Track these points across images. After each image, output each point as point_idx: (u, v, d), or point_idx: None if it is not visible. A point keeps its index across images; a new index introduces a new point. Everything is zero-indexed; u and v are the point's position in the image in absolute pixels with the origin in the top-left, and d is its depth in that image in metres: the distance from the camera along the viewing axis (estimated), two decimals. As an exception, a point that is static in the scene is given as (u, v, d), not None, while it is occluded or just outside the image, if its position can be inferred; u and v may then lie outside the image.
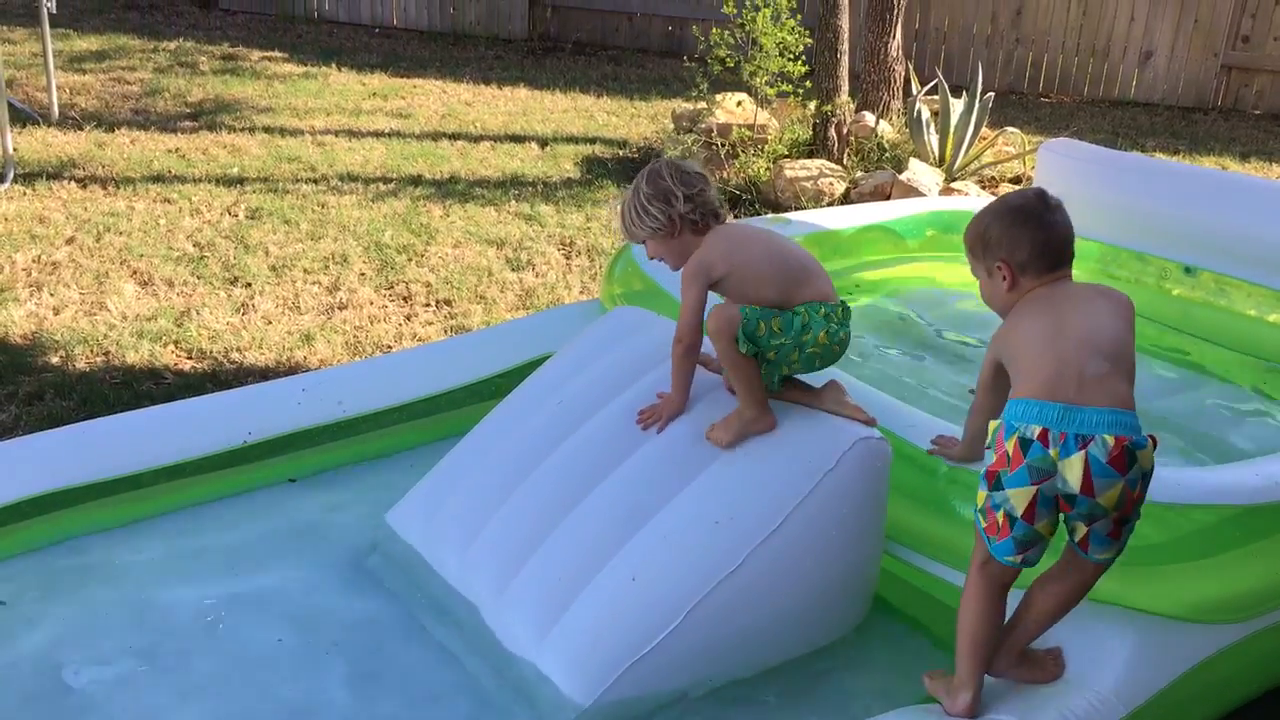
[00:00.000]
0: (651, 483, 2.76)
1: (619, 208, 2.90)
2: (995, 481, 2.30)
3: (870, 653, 2.91)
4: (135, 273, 5.47)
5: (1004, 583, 2.40)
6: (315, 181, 7.10)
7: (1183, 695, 2.65)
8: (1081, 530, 2.31)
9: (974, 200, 6.07)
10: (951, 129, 7.48)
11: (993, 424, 2.35)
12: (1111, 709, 2.45)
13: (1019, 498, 2.27)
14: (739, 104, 8.04)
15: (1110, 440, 2.22)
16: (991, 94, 7.70)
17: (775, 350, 2.76)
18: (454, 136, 8.41)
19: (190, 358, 4.67)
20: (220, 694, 2.67)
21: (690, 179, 2.83)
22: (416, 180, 7.29)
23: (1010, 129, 8.03)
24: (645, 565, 2.63)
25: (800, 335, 2.75)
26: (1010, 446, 2.27)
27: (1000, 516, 2.30)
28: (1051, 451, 2.24)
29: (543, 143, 8.40)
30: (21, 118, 7.65)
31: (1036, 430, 2.25)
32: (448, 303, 5.41)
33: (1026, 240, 2.46)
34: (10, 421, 4.02)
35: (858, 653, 2.88)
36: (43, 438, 3.44)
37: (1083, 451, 2.22)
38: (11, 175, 6.59)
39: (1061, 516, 2.33)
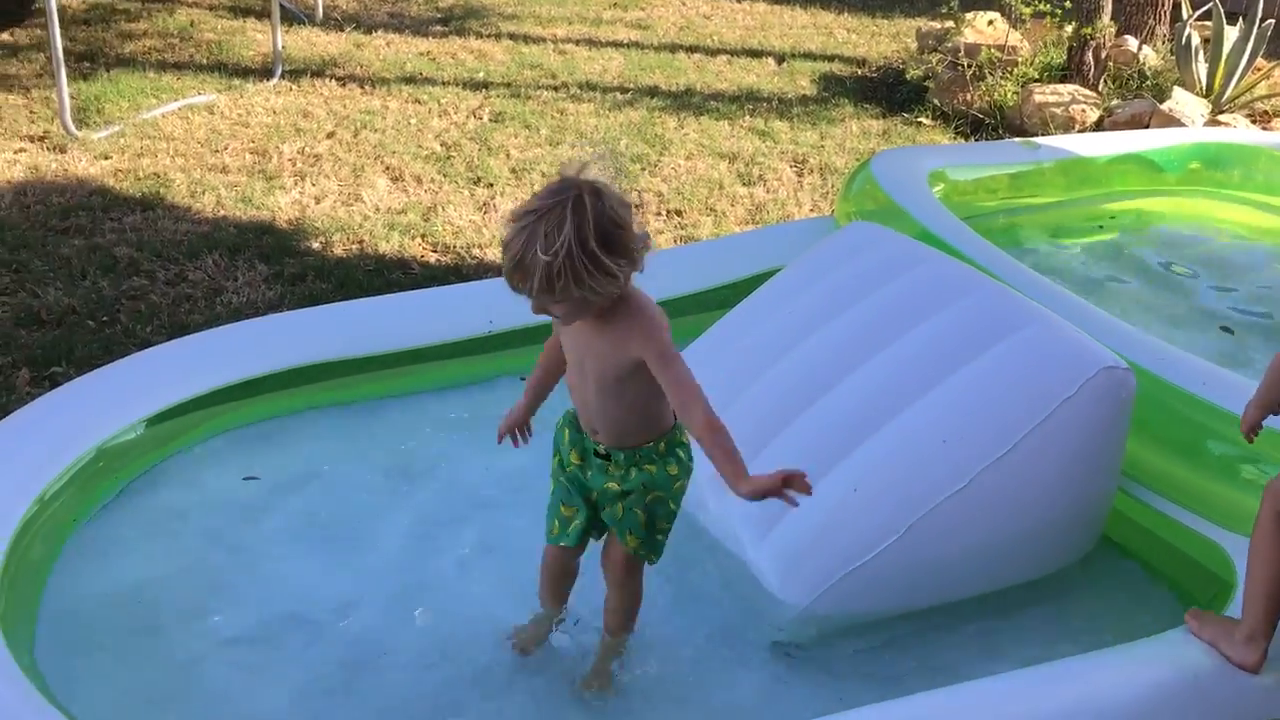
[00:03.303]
0: (881, 395, 2.75)
1: (540, 264, 1.99)
2: None
3: (1088, 588, 2.84)
4: (388, 168, 5.76)
5: None
6: (555, 89, 7.26)
7: None
8: None
9: (1243, 133, 5.64)
10: (1223, 57, 6.94)
11: None
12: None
13: None
14: (990, 23, 7.68)
15: None
16: (1271, 21, 7.08)
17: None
18: (691, 49, 8.39)
19: (435, 251, 4.91)
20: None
21: (627, 210, 2.12)
22: (653, 91, 7.34)
23: (1290, 59, 7.39)
24: (869, 476, 2.64)
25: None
26: None
27: None
28: None
29: (779, 58, 8.28)
30: (289, 18, 8.10)
31: None
32: (678, 213, 5.46)
33: None
34: (276, 298, 4.35)
35: (1073, 587, 2.83)
36: (306, 314, 3.72)
37: None
38: (280, 71, 7.01)
39: None
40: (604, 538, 2.48)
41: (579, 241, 1.99)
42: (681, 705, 2.48)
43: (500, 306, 3.63)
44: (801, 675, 2.59)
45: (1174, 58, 7.20)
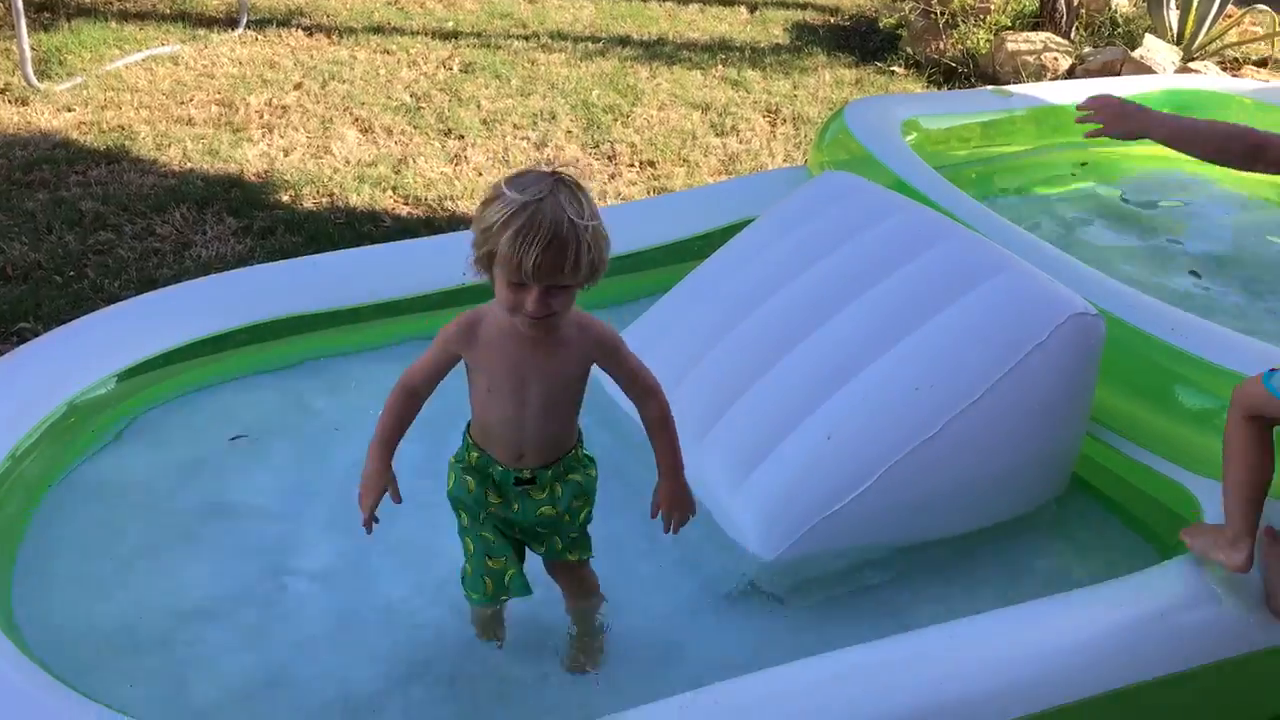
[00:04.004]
0: (854, 344, 2.77)
1: (582, 230, 1.89)
2: None
3: (1058, 527, 2.89)
4: (357, 120, 5.70)
5: (1271, 431, 2.35)
6: (526, 38, 7.18)
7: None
8: None
9: (1214, 80, 5.65)
10: (1194, 5, 6.94)
11: None
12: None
13: None
14: (962, -29, 7.64)
15: None
16: (1244, -33, 7.09)
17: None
18: (663, -3, 8.32)
19: (407, 203, 4.87)
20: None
21: None
22: (624, 41, 7.28)
23: (1260, 6, 7.37)
24: (842, 424, 2.65)
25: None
26: None
27: None
28: None
29: (752, 7, 8.22)
30: (254, -33, 7.96)
31: None
32: (651, 164, 5.44)
33: None
34: (246, 252, 4.31)
35: (1045, 526, 2.87)
36: (276, 268, 3.68)
37: None
38: (245, 21, 6.90)
39: None
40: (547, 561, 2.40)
41: (584, 214, 1.91)
42: (665, 661, 2.49)
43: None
44: (784, 622, 2.62)
45: (1145, 5, 7.19)
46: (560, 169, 1.99)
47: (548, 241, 1.86)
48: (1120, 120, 2.52)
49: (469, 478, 2.24)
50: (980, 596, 2.64)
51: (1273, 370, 2.35)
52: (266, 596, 2.61)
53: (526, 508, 2.25)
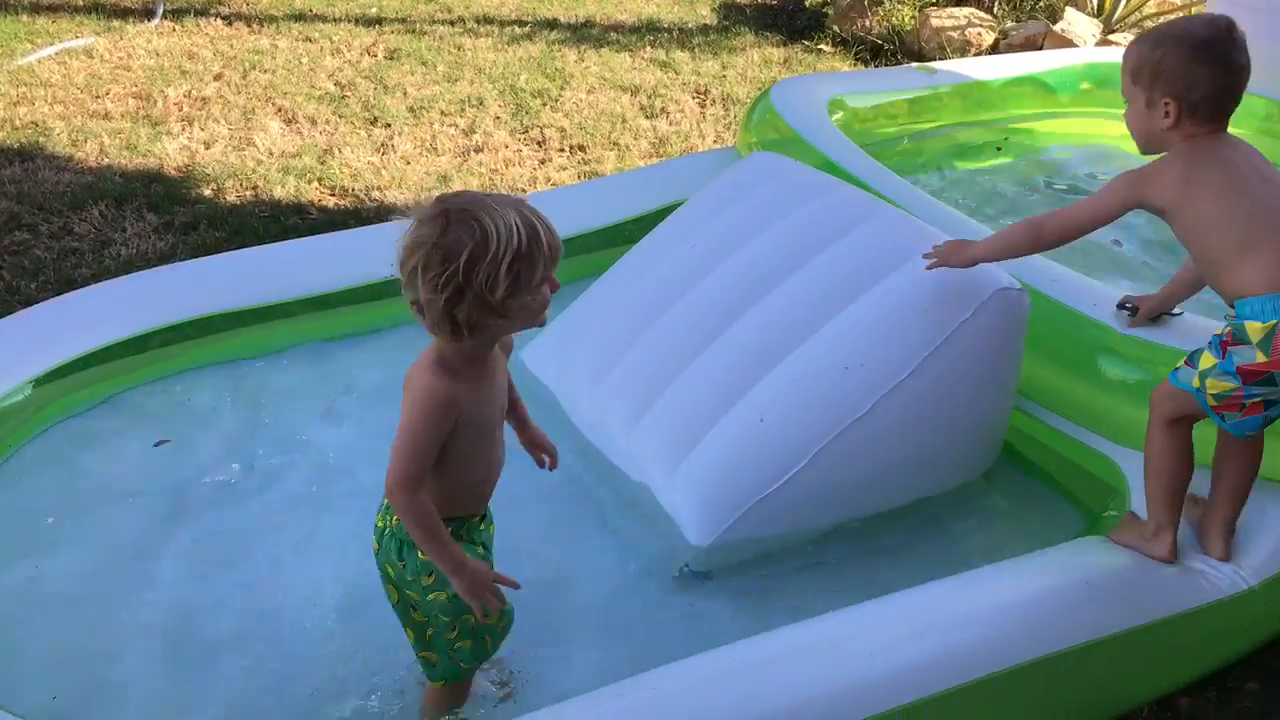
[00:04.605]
0: (784, 325, 2.77)
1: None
2: (1264, 379, 2.23)
3: (990, 499, 2.93)
4: (280, 110, 5.59)
5: (1190, 428, 2.43)
6: (451, 23, 7.09)
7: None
8: None
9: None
10: (1114, -23, 7.04)
11: (1253, 325, 2.22)
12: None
13: None
14: (886, -52, 7.68)
15: None
16: (1160, -61, 7.20)
17: None
18: (590, -21, 8.26)
19: (333, 194, 4.79)
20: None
21: None
22: (552, 24, 7.22)
23: (1178, -22, 7.52)
24: (774, 407, 2.66)
25: None
26: None
27: (1251, 402, 2.27)
28: None
29: (680, -13, 8.20)
30: (169, -45, 7.78)
31: None
32: (582, 148, 5.40)
33: (1206, 80, 2.27)
34: (168, 249, 4.22)
35: (979, 500, 2.91)
36: (199, 264, 3.61)
37: None
38: (161, 11, 6.74)
39: None
40: None
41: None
42: (603, 645, 2.49)
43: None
44: (721, 602, 2.62)
45: (1066, -21, 7.27)
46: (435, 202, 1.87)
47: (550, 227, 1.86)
48: (957, 250, 2.65)
49: (479, 546, 2.11)
50: (918, 569, 2.66)
51: (1176, 369, 2.41)
52: (194, 606, 2.56)
53: (489, 540, 2.18)
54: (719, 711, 2.06)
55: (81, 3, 6.90)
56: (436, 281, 1.77)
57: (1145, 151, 2.42)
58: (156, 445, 2.98)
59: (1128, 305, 2.80)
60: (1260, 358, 2.22)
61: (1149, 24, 7.07)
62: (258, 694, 2.35)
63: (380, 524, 2.09)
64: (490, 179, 5.02)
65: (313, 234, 4.18)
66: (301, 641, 2.46)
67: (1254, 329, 2.22)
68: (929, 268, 2.68)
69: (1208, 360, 2.31)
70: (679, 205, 3.43)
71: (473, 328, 1.83)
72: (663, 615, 2.59)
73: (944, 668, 2.20)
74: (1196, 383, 2.33)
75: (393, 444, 1.91)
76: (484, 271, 1.77)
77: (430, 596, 2.05)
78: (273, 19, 6.88)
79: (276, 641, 2.46)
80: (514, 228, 1.78)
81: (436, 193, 1.87)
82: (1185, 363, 2.40)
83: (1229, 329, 2.28)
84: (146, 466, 2.93)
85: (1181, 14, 7.13)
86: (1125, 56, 2.38)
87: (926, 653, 2.23)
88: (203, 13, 6.88)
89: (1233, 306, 2.28)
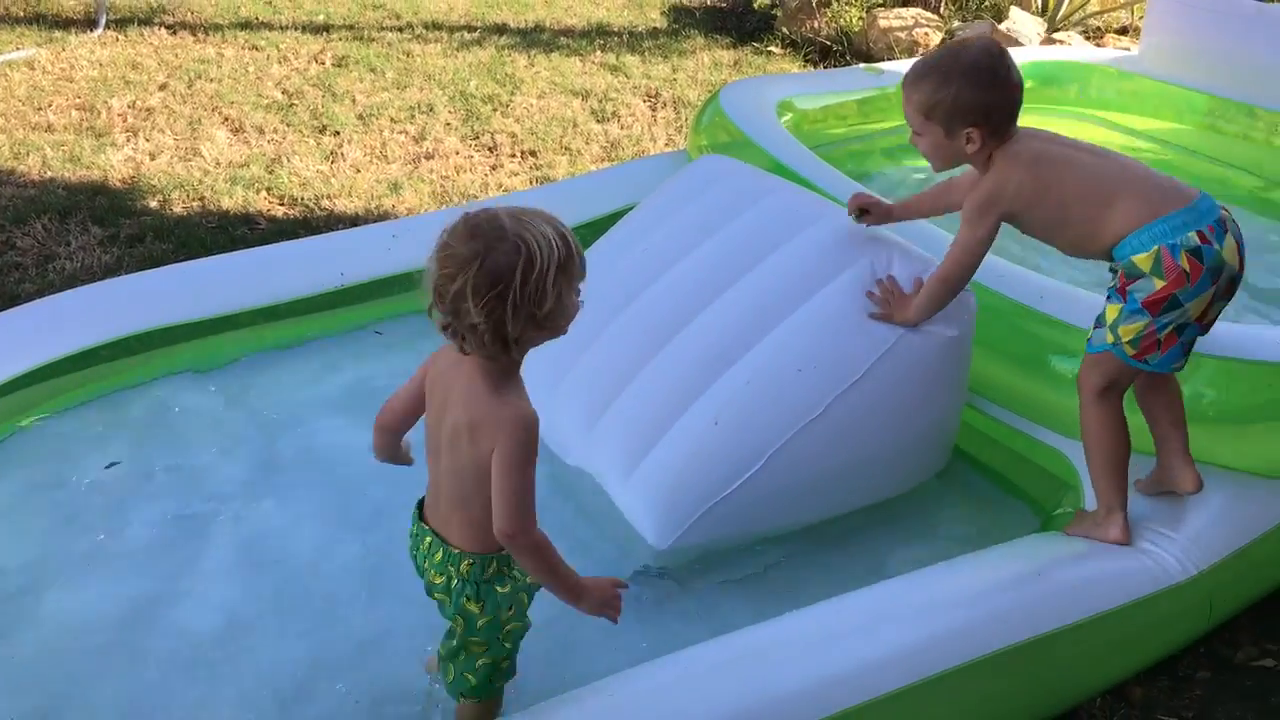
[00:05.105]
0: (736, 328, 2.78)
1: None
2: (1169, 304, 2.35)
3: (947, 499, 2.95)
4: (227, 119, 5.53)
5: (1121, 399, 2.51)
6: (400, 29, 7.05)
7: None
8: (1219, 310, 2.43)
9: (1077, 51, 5.82)
10: (1056, -24, 7.14)
11: (1139, 257, 2.36)
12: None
13: (1198, 305, 2.36)
14: (833, -51, 7.73)
15: (1223, 209, 2.41)
16: (1101, -62, 7.30)
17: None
18: (539, -16, 8.25)
19: (282, 204, 4.75)
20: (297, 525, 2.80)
21: None
22: (501, 29, 7.20)
23: (1119, -24, 7.63)
24: (728, 409, 2.67)
25: None
26: (1184, 262, 2.32)
27: (1165, 334, 2.38)
28: (1216, 246, 2.34)
29: (629, -9, 8.20)
30: (111, -37, 7.67)
31: (1196, 236, 2.33)
32: (533, 153, 5.39)
33: (1000, 103, 2.45)
34: (113, 262, 4.15)
35: (934, 499, 2.93)
36: (145, 277, 3.56)
37: (1227, 233, 2.37)
38: (104, 21, 6.64)
39: None
40: None
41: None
42: (566, 648, 2.48)
43: (351, 258, 3.57)
44: (677, 606, 2.62)
45: (1010, -22, 7.36)
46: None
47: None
48: (902, 308, 2.71)
49: (525, 579, 2.10)
50: (878, 569, 2.68)
51: (1089, 339, 2.51)
52: (151, 629, 2.52)
53: None
54: (680, 714, 2.07)
55: (22, 13, 6.79)
56: (490, 304, 1.77)
57: (943, 170, 2.59)
58: (107, 468, 2.92)
59: (863, 211, 2.89)
60: (1158, 283, 2.35)
61: (1092, 22, 7.18)
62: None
63: (441, 579, 2.04)
64: (441, 186, 5.00)
65: (262, 244, 4.14)
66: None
67: (1141, 260, 2.36)
68: (871, 310, 2.74)
69: (1113, 310, 2.43)
70: (631, 209, 3.43)
71: (520, 343, 1.85)
72: (622, 619, 2.58)
73: (898, 665, 2.22)
74: (1110, 338, 2.44)
75: (496, 490, 1.88)
76: (533, 287, 1.78)
77: (509, 628, 2.07)
78: (218, 27, 6.80)
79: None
80: (551, 240, 1.80)
81: (463, 212, 1.86)
82: (1094, 327, 2.50)
83: (1120, 272, 2.41)
84: (103, 493, 2.87)
85: (1121, 12, 7.24)
86: (910, 94, 2.50)
87: (880, 650, 2.25)
88: (146, 22, 6.79)
89: (1113, 258, 2.43)
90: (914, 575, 2.47)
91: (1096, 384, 2.50)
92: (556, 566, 1.96)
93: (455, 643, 2.09)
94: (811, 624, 2.30)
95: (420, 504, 2.11)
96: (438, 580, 2.05)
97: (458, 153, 5.36)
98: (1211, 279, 2.35)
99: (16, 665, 2.39)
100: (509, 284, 1.76)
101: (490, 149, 5.43)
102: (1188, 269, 2.32)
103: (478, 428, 1.90)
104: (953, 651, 2.26)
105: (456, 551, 2.01)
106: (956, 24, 7.02)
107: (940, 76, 2.43)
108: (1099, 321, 2.48)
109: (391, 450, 2.17)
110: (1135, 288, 2.38)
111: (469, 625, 2.05)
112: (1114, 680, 2.53)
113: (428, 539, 2.05)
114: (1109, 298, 2.45)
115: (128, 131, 5.32)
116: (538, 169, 5.24)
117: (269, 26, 6.91)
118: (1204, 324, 2.42)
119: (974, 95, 2.41)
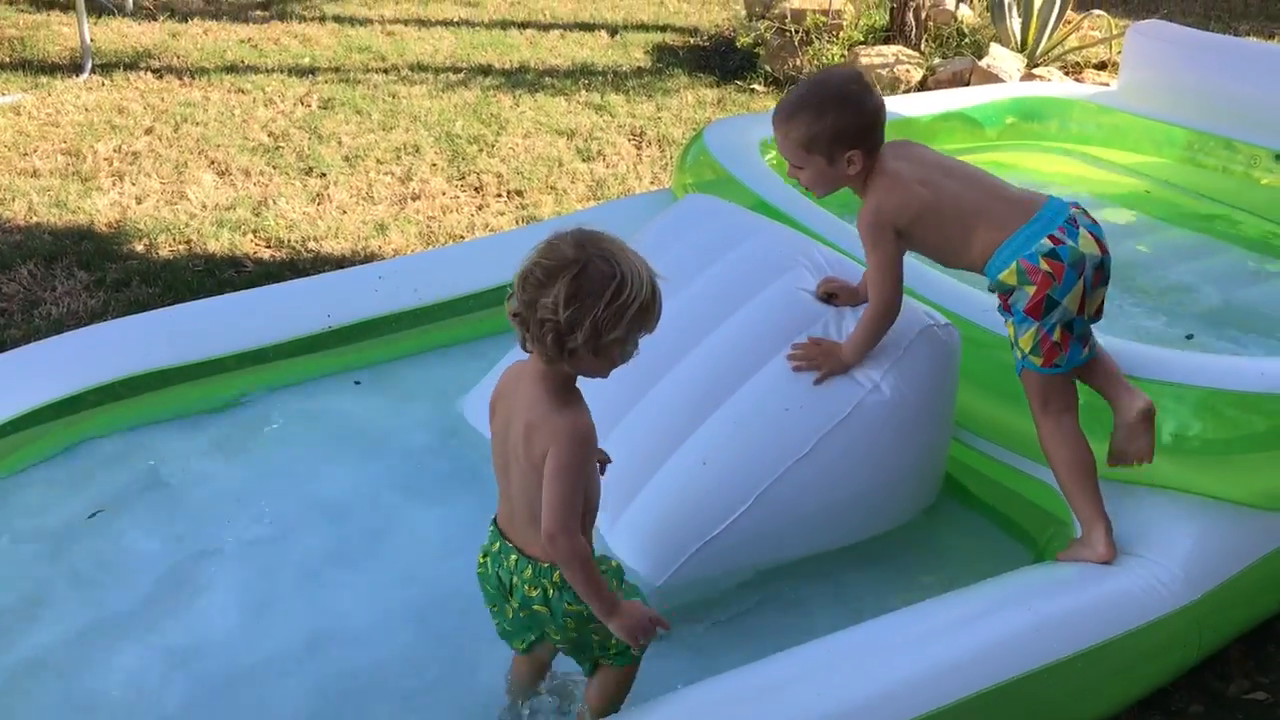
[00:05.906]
0: (722, 370, 2.79)
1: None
2: (1046, 305, 2.49)
3: (934, 536, 2.95)
4: (213, 163, 5.55)
5: (1074, 411, 2.59)
6: (386, 71, 7.10)
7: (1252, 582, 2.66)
8: (1099, 297, 2.56)
9: (1056, 86, 5.88)
10: (1035, 12, 7.22)
11: (1004, 274, 2.51)
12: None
13: (1073, 299, 2.49)
14: (814, -12, 7.82)
15: (1073, 206, 2.56)
16: (1078, -25, 7.41)
17: None
18: (523, 25, 8.31)
19: (269, 246, 4.76)
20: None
21: None
22: (486, 70, 7.25)
23: (1097, 12, 7.73)
24: (716, 450, 2.67)
25: None
26: (1044, 265, 2.47)
27: (1058, 334, 2.51)
28: (1070, 243, 2.48)
29: (612, 31, 8.27)
30: (97, 9, 7.70)
31: (1049, 240, 2.48)
32: (519, 193, 5.42)
33: (870, 123, 2.56)
34: (99, 307, 4.15)
35: (923, 535, 2.93)
36: (131, 322, 3.55)
37: (1079, 228, 2.51)
38: (90, 66, 6.67)
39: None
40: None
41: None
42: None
43: (338, 300, 3.57)
44: (666, 646, 2.60)
45: (990, 15, 7.46)
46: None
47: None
48: (828, 356, 2.76)
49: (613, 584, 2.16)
50: (866, 609, 2.67)
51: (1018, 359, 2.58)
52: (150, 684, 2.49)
53: None
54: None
55: (8, 59, 6.82)
56: (571, 307, 1.85)
57: (826, 194, 2.69)
58: (91, 516, 2.90)
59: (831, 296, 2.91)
60: (1030, 290, 2.49)
61: (1071, 57, 7.26)
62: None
63: (536, 592, 2.08)
64: (428, 226, 5.02)
65: (249, 287, 4.14)
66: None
67: (1007, 276, 2.52)
68: (796, 368, 2.74)
69: (1010, 328, 2.57)
70: (616, 249, 3.44)
71: (574, 355, 1.91)
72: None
73: (892, 703, 2.21)
74: (1019, 353, 2.56)
75: (546, 494, 1.95)
76: (614, 311, 1.87)
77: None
78: (204, 71, 6.84)
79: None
80: (645, 280, 1.91)
81: (573, 228, 1.95)
82: (1012, 350, 2.60)
83: (996, 292, 2.58)
84: (86, 541, 2.85)
85: (1100, 47, 7.33)
86: (787, 131, 2.60)
87: (873, 689, 2.24)
88: (132, 66, 6.82)
89: (986, 275, 2.59)
90: (904, 612, 2.46)
91: (1036, 403, 2.60)
92: (595, 577, 2.00)
93: (576, 636, 2.13)
94: (797, 665, 2.29)
95: (494, 522, 2.15)
96: (533, 593, 2.09)
97: (444, 193, 5.38)
98: (1076, 273, 2.48)
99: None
100: (597, 297, 1.85)
101: (476, 189, 5.45)
102: (1049, 270, 2.47)
103: (534, 431, 1.98)
104: (942, 690, 2.25)
105: (546, 565, 2.06)
106: (937, 60, 7.09)
107: (814, 110, 2.54)
108: (1011, 344, 2.59)
109: None
110: (1014, 300, 2.53)
111: (583, 621, 2.09)
112: (1104, 715, 2.53)
113: (513, 556, 2.10)
114: (1003, 319, 2.59)
115: (114, 176, 5.33)
116: (524, 208, 5.26)
117: (255, 70, 6.95)
118: (1089, 314, 2.55)
119: (849, 121, 2.53)
